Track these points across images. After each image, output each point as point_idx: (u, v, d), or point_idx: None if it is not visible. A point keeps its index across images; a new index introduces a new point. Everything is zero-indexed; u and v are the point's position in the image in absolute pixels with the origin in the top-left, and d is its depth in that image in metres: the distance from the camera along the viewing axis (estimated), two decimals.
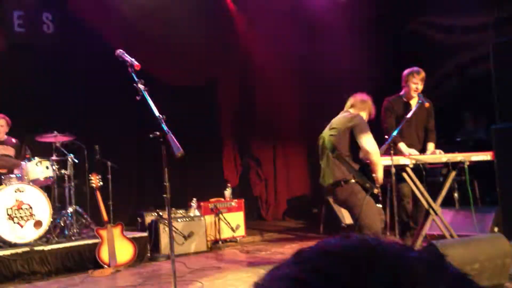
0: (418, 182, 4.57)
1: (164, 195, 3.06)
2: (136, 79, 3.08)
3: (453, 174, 4.73)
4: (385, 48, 7.93)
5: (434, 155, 4.78)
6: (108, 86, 7.19)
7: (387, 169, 4.21)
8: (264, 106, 8.68)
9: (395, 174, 4.32)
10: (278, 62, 8.58)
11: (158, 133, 2.94)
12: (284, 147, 9.02)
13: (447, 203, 5.46)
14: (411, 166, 4.50)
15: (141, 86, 3.06)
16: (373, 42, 7.87)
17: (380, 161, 4.03)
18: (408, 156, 4.56)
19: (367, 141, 3.95)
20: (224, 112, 8.60)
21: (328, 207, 6.94)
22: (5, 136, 6.18)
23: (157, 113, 3.01)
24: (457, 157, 4.66)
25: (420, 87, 4.87)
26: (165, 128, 2.93)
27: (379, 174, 4.01)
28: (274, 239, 7.04)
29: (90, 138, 6.51)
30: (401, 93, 5.04)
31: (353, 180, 4.02)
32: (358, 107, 4.26)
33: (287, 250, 6.05)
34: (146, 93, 3.06)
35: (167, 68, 7.59)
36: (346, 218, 6.77)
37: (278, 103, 8.72)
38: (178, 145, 2.90)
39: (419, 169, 4.59)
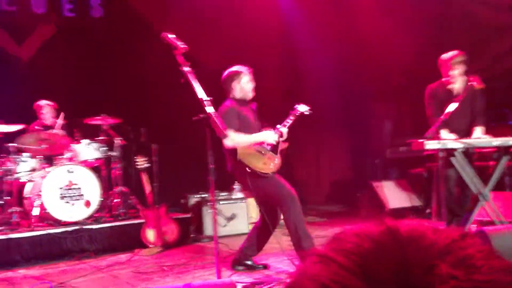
0: (467, 167, 4.44)
1: (209, 177, 3.09)
2: (181, 62, 3.10)
3: (505, 158, 4.56)
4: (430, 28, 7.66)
5: (484, 138, 4.63)
6: (155, 69, 7.30)
7: (434, 153, 4.12)
8: (307, 88, 8.59)
9: (443, 158, 4.21)
10: (322, 46, 8.45)
11: (202, 115, 2.96)
12: (327, 129, 8.92)
13: (498, 188, 5.28)
14: (460, 150, 4.37)
15: (186, 69, 3.08)
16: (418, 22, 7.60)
17: None
18: (457, 140, 4.43)
19: None
20: (263, 94, 8.54)
21: (371, 191, 6.84)
22: (54, 120, 6.41)
23: (202, 95, 3.02)
24: (509, 141, 4.49)
25: (462, 70, 4.71)
26: (210, 110, 2.95)
27: None
28: (316, 222, 7.02)
29: (136, 121, 6.64)
30: (443, 79, 4.88)
31: None
32: None
33: (329, 233, 6.03)
34: (191, 75, 3.07)
35: (210, 50, 7.61)
36: (390, 202, 6.68)
37: (321, 86, 8.61)
38: (222, 127, 2.91)
39: (468, 154, 4.45)
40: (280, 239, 5.92)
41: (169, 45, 3.17)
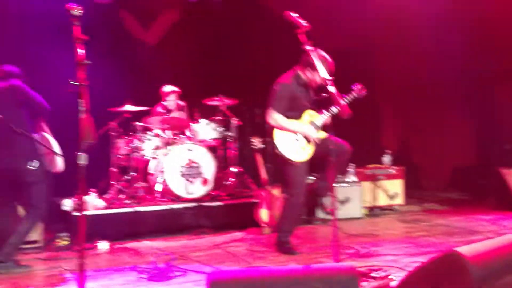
0: None
1: (329, 158, 3.02)
2: (304, 41, 3.05)
3: None
4: None
5: None
6: (271, 50, 7.37)
7: None
8: (424, 72, 8.10)
9: None
10: (450, 30, 7.89)
11: (325, 94, 2.89)
12: (450, 113, 8.37)
13: None
14: None
15: (308, 48, 3.02)
16: None
17: None
18: None
19: None
20: (381, 76, 8.23)
21: (500, 179, 6.31)
22: (176, 103, 6.71)
23: (325, 74, 2.95)
24: None
25: None
26: (333, 89, 2.87)
27: None
28: (435, 210, 6.66)
29: (252, 101, 6.74)
30: None
31: None
32: None
33: (451, 222, 5.68)
34: (313, 54, 3.01)
35: (326, 30, 7.47)
36: None
37: (440, 70, 8.07)
38: (346, 107, 2.82)
39: None
40: (394, 225, 5.74)
41: (291, 24, 3.12)
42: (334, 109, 4.15)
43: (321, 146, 4.34)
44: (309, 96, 4.49)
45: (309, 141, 4.39)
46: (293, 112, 4.37)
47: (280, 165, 4.45)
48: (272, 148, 4.36)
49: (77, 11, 2.74)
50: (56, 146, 4.30)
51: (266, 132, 4.43)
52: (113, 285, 3.69)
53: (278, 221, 4.73)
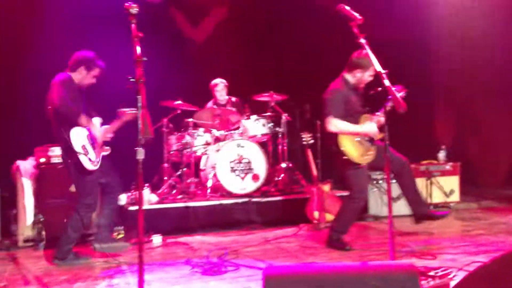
0: None
1: (385, 155, 2.96)
2: (357, 34, 2.99)
3: None
4: None
5: None
6: (321, 44, 7.31)
7: None
8: (481, 65, 7.79)
9: None
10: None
11: (380, 88, 2.83)
12: (506, 107, 8.02)
13: None
14: None
15: (362, 41, 2.96)
16: None
17: None
18: None
19: None
20: (436, 69, 7.98)
21: None
22: (226, 97, 6.79)
23: (379, 68, 2.89)
24: None
25: None
26: (387, 82, 2.80)
27: None
28: (492, 207, 6.41)
29: (301, 97, 6.70)
30: None
31: None
32: None
33: (510, 220, 5.45)
34: (368, 47, 2.95)
35: (379, 22, 7.32)
36: None
37: (498, 64, 7.74)
38: (401, 100, 2.75)
39: None
40: (451, 223, 5.56)
41: (345, 17, 3.07)
42: (390, 104, 4.07)
43: (380, 151, 4.37)
44: (360, 100, 4.52)
45: (372, 142, 4.39)
46: (350, 117, 4.38)
47: (344, 170, 4.42)
48: (338, 154, 4.33)
49: (134, 9, 2.79)
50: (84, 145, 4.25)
51: (329, 141, 4.41)
52: (169, 278, 3.76)
53: (334, 219, 4.69)
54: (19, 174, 5.06)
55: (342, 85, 4.46)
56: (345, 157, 4.31)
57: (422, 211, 4.69)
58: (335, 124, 4.31)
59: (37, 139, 5.35)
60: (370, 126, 4.37)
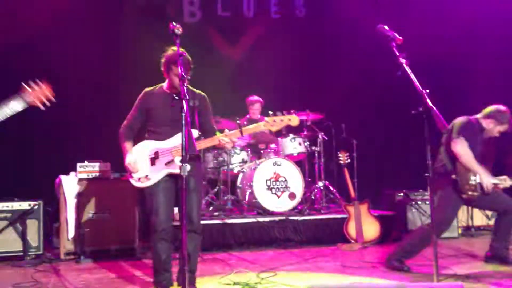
0: None
1: (426, 174, 2.93)
2: (398, 54, 3.00)
3: None
4: None
5: None
6: (355, 66, 7.33)
7: None
8: None
9: None
10: None
11: (421, 108, 2.82)
12: None
13: None
14: None
15: (403, 61, 2.97)
16: None
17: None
18: None
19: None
20: (480, 83, 7.79)
21: None
22: (259, 116, 6.83)
23: (420, 88, 2.88)
24: None
25: None
26: (430, 103, 2.79)
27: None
28: None
29: (337, 116, 6.69)
30: None
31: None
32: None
33: None
34: (407, 68, 2.95)
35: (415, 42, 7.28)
36: None
37: None
38: (444, 121, 2.73)
39: None
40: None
41: (384, 37, 3.09)
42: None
43: (490, 199, 4.30)
44: (483, 149, 4.44)
45: (481, 189, 4.23)
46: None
47: (441, 197, 4.29)
48: (449, 176, 4.27)
49: (178, 30, 2.89)
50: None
51: (448, 159, 4.34)
52: None
53: (404, 242, 4.51)
54: (61, 188, 5.22)
55: (477, 123, 4.41)
56: (455, 179, 4.22)
57: (501, 253, 4.49)
58: (462, 146, 4.18)
59: (79, 154, 5.52)
60: (486, 177, 4.20)
